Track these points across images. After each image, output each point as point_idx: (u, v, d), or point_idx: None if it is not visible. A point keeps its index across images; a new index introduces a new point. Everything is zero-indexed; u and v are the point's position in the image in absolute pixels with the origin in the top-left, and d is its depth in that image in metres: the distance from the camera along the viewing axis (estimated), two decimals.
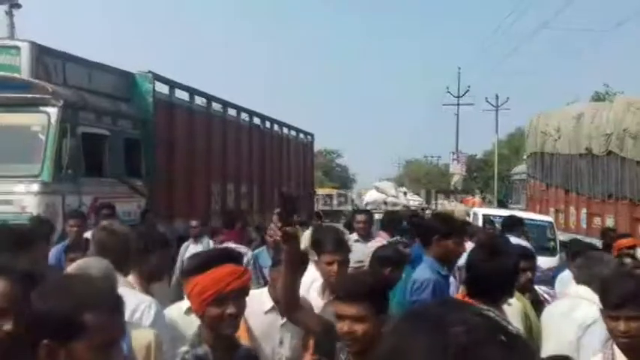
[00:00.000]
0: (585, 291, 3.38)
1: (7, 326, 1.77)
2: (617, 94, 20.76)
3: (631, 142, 11.53)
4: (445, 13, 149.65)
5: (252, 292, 3.17)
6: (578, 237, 9.93)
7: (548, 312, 3.75)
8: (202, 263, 2.33)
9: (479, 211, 13.27)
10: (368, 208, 15.23)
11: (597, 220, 12.93)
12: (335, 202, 19.50)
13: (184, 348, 2.29)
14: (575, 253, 4.76)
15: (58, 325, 1.51)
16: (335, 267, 3.60)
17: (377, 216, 10.51)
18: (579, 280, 3.58)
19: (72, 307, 1.53)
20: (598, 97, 30.47)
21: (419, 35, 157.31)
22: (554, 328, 3.49)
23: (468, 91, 42.90)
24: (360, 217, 7.18)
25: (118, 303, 1.67)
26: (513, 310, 3.47)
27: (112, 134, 8.82)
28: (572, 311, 3.38)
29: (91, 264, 2.75)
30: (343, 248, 3.70)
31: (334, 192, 24.02)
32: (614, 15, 74.94)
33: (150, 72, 9.92)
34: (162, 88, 10.38)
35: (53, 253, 5.19)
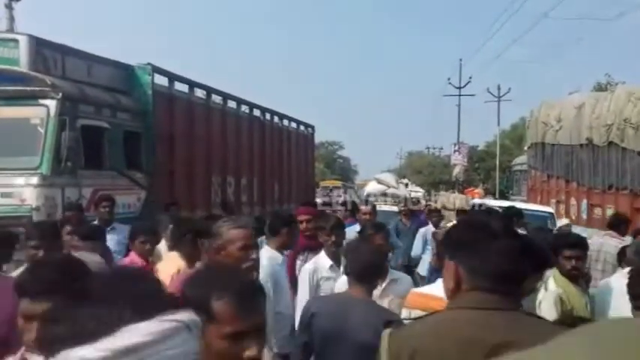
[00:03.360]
0: None
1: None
2: (619, 84, 20.68)
3: (632, 133, 11.48)
4: (446, 4, 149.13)
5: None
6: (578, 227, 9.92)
7: (602, 291, 4.42)
8: None
9: (479, 202, 13.28)
10: (369, 199, 15.26)
11: (598, 211, 12.92)
12: (319, 199, 18.91)
13: None
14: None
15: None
16: None
17: (378, 207, 10.56)
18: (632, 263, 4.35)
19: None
20: (600, 87, 30.38)
21: (420, 26, 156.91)
22: (612, 305, 4.10)
23: (469, 82, 42.78)
24: (364, 209, 7.52)
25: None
26: (548, 295, 3.90)
27: (112, 127, 8.82)
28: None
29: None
30: None
31: (321, 185, 23.77)
32: (616, 4, 74.66)
33: (149, 64, 9.89)
34: (162, 81, 10.36)
35: None
